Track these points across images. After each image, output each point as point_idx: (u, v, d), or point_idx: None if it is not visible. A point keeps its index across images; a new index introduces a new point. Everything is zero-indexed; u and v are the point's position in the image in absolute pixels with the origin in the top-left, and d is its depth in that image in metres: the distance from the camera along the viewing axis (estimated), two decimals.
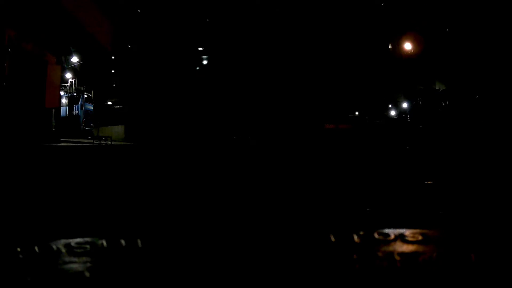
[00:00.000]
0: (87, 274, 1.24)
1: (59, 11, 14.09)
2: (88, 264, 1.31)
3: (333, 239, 1.55)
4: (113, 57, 19.45)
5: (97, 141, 16.52)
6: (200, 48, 20.49)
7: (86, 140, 17.88)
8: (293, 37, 21.90)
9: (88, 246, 1.46)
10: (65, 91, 21.63)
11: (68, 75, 23.08)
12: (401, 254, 1.39)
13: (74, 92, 22.08)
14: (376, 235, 1.56)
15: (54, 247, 1.44)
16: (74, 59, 23.40)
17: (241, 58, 21.20)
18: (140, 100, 21.54)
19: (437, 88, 21.38)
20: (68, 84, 22.12)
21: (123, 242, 1.52)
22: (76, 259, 1.35)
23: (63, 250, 1.42)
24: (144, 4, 18.65)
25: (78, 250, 1.42)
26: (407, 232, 1.59)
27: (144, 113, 21.01)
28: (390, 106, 32.47)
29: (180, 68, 20.81)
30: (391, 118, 29.06)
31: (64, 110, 21.04)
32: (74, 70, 23.84)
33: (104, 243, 1.50)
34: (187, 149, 14.07)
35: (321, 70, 25.53)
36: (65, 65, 22.42)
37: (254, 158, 10.36)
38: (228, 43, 20.57)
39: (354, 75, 27.36)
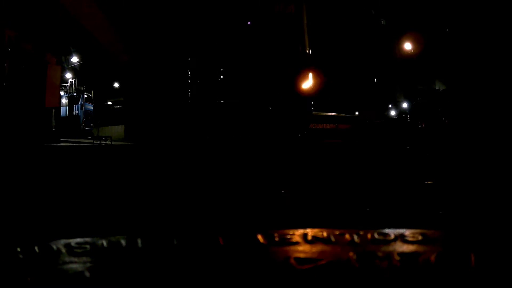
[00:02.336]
0: (87, 274, 1.24)
1: (59, 11, 14.09)
2: (88, 264, 1.31)
3: (333, 239, 1.55)
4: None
5: (97, 141, 16.52)
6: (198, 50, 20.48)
7: (86, 140, 17.89)
8: (295, 37, 21.84)
9: (88, 246, 1.46)
10: (65, 91, 21.65)
11: (68, 75, 23.09)
12: (401, 254, 1.39)
13: (74, 92, 22.10)
14: (376, 235, 1.56)
15: (54, 247, 1.44)
16: (74, 59, 23.42)
17: (238, 56, 20.99)
18: (140, 100, 21.55)
19: (437, 88, 21.39)
20: (68, 84, 22.14)
21: (123, 242, 1.52)
22: (76, 259, 1.35)
23: (63, 250, 1.42)
24: (144, 5, 18.64)
25: (78, 250, 1.42)
26: (407, 232, 1.58)
27: (144, 113, 21.00)
28: (390, 106, 32.53)
29: (179, 70, 20.80)
30: (391, 118, 29.09)
31: (64, 110, 21.06)
32: (74, 70, 23.86)
33: (104, 243, 1.50)
34: (187, 149, 14.05)
35: (321, 70, 25.48)
36: (65, 65, 22.44)
37: (255, 156, 10.36)
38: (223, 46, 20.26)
39: (354, 75, 27.39)
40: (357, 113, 25.93)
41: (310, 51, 13.40)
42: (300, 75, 13.28)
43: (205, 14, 15.12)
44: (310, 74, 12.98)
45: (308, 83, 13.72)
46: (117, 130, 23.06)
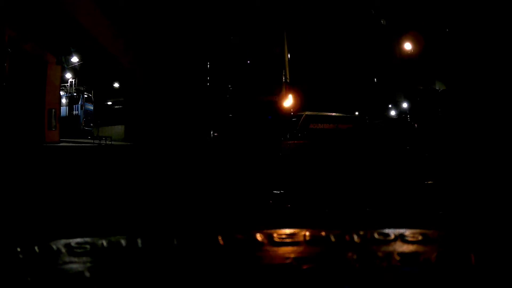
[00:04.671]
0: (87, 274, 1.24)
1: (59, 11, 14.09)
2: (88, 264, 1.31)
3: (333, 239, 1.55)
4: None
5: (97, 141, 16.53)
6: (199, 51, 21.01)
7: (86, 140, 17.90)
8: (295, 36, 22.05)
9: (88, 246, 1.46)
10: (65, 91, 21.65)
11: (68, 75, 23.10)
12: (401, 254, 1.39)
13: (74, 92, 22.11)
14: (376, 235, 1.56)
15: (54, 247, 1.44)
16: (74, 59, 23.43)
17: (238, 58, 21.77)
18: (140, 100, 21.59)
19: (437, 88, 21.39)
20: (68, 84, 22.14)
21: (123, 242, 1.52)
22: (76, 259, 1.35)
23: (63, 250, 1.42)
24: (144, 4, 18.67)
25: (78, 250, 1.42)
26: (407, 232, 1.58)
27: (144, 113, 21.05)
28: (390, 106, 32.54)
29: (179, 70, 20.93)
30: (391, 118, 29.09)
31: (64, 110, 21.05)
32: (74, 70, 23.87)
33: (104, 243, 1.49)
34: (186, 149, 14.07)
35: (321, 70, 25.54)
36: (65, 65, 22.44)
37: (254, 155, 10.37)
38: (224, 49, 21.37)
39: (354, 75, 27.38)
40: (357, 113, 25.93)
41: (288, 79, 18.05)
42: (283, 96, 16.84)
43: (218, 57, 19.88)
44: (290, 96, 17.70)
45: (288, 101, 17.81)
46: (117, 130, 23.07)
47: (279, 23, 19.52)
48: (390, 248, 1.43)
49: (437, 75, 22.19)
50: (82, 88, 22.51)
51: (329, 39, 24.64)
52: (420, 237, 1.52)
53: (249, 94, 20.20)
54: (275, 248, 1.51)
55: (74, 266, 1.29)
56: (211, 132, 21.15)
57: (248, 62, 21.09)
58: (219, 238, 1.62)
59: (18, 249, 1.42)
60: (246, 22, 20.13)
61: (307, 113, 17.13)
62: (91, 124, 23.06)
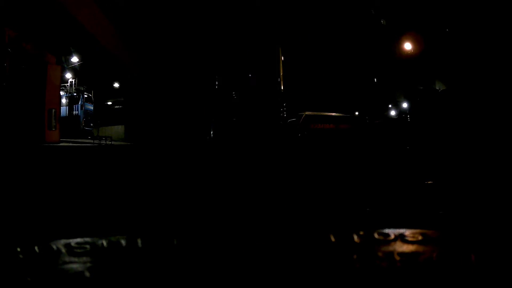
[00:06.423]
0: (87, 274, 1.24)
1: (59, 11, 14.08)
2: (88, 264, 1.31)
3: (333, 239, 1.55)
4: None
5: (97, 141, 16.52)
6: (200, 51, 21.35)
7: (86, 140, 17.89)
8: (295, 36, 22.20)
9: (88, 246, 1.46)
10: (65, 91, 21.64)
11: (68, 75, 23.11)
12: (401, 254, 1.39)
13: (74, 92, 22.10)
14: (376, 235, 1.56)
15: (54, 247, 1.44)
16: (74, 59, 23.43)
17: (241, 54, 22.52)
18: (140, 100, 21.63)
19: (437, 88, 21.38)
20: (68, 84, 22.14)
21: (123, 242, 1.52)
22: (76, 259, 1.35)
23: (63, 250, 1.42)
24: (142, 3, 18.69)
25: (78, 250, 1.42)
26: (407, 232, 1.58)
27: (144, 113, 21.09)
28: (390, 106, 32.52)
29: (180, 71, 21.05)
30: (391, 118, 29.07)
31: (64, 110, 21.02)
32: (74, 70, 23.87)
33: (104, 243, 1.49)
34: (186, 149, 14.07)
35: (322, 70, 25.58)
36: (65, 65, 22.45)
37: (253, 155, 10.37)
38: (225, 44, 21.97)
39: (354, 75, 27.38)
40: (357, 113, 25.93)
41: (283, 89, 20.30)
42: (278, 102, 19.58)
43: (224, 71, 22.88)
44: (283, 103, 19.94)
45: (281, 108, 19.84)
46: (117, 130, 23.07)
47: (275, 39, 21.63)
48: (390, 248, 1.43)
49: (437, 75, 22.19)
50: (82, 88, 22.50)
51: (329, 39, 24.68)
52: (420, 237, 1.52)
53: (250, 101, 22.96)
54: (279, 248, 1.51)
55: (74, 266, 1.29)
56: (211, 133, 21.68)
57: (250, 75, 24.79)
58: (217, 238, 1.62)
59: (18, 249, 1.42)
60: (247, 37, 22.10)
61: (307, 113, 17.12)
62: (91, 124, 23.05)
